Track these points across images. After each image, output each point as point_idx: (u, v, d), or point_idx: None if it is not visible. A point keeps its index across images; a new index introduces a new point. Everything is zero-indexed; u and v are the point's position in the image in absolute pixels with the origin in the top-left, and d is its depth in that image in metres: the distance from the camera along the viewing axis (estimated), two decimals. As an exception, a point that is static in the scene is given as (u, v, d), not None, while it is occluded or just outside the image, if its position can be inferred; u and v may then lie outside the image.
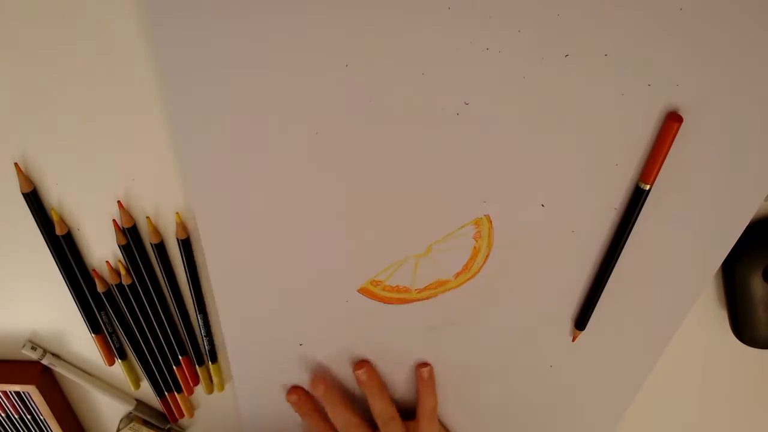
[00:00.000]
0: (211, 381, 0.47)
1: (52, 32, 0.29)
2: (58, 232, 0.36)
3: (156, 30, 0.28)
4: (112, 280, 0.39)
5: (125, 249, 0.37)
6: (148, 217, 0.36)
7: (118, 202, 0.36)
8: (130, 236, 0.37)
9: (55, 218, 0.36)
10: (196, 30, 0.28)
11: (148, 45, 0.30)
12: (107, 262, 0.39)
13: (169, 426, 0.51)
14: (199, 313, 0.41)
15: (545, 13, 0.28)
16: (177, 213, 0.36)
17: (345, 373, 0.45)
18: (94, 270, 0.39)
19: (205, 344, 0.44)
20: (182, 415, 0.50)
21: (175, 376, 0.46)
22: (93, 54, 0.30)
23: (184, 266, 0.38)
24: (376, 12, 0.28)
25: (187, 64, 0.29)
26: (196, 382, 0.47)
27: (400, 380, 0.46)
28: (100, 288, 0.39)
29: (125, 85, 0.31)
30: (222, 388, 0.48)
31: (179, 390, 0.47)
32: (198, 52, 0.29)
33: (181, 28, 0.28)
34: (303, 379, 0.46)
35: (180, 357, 0.44)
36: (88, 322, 0.42)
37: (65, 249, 0.38)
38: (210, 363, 0.45)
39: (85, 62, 0.30)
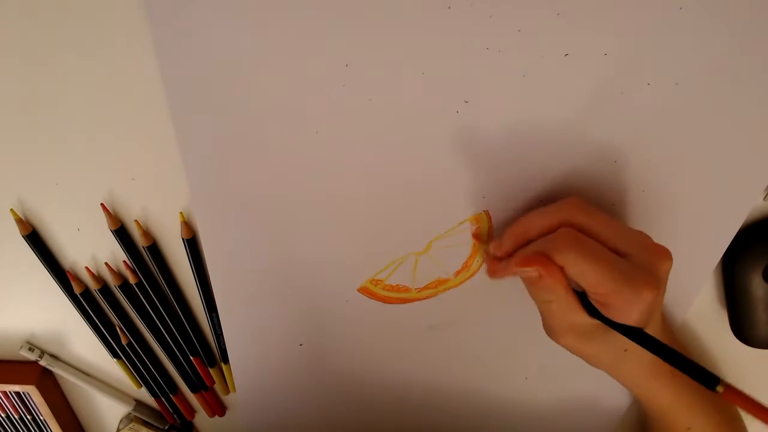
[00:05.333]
0: (225, 381, 0.47)
1: (53, 33, 0.29)
2: (23, 232, 0.36)
3: (156, 30, 0.28)
4: (94, 285, 0.39)
5: (125, 248, 0.37)
6: (181, 212, 0.36)
7: (101, 204, 0.36)
8: (119, 237, 0.37)
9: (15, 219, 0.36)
10: (196, 29, 0.28)
11: (148, 45, 0.30)
12: (106, 262, 0.39)
13: (168, 426, 0.51)
14: (211, 313, 0.41)
15: (545, 13, 0.28)
16: (181, 213, 0.36)
17: (345, 374, 0.45)
18: (88, 269, 0.39)
19: (217, 344, 0.43)
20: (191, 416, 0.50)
21: (189, 375, 0.46)
22: (93, 54, 0.30)
23: (191, 265, 0.38)
24: (376, 12, 0.28)
25: (187, 63, 0.29)
26: (211, 383, 0.47)
27: (400, 380, 0.46)
28: (76, 289, 0.39)
29: (125, 85, 0.31)
30: (234, 388, 0.47)
31: (206, 388, 0.47)
32: (198, 51, 0.29)
33: (180, 28, 0.28)
34: (303, 380, 0.46)
35: (191, 358, 0.44)
36: (89, 323, 0.42)
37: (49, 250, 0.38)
38: (222, 363, 0.45)
39: (85, 62, 0.30)
